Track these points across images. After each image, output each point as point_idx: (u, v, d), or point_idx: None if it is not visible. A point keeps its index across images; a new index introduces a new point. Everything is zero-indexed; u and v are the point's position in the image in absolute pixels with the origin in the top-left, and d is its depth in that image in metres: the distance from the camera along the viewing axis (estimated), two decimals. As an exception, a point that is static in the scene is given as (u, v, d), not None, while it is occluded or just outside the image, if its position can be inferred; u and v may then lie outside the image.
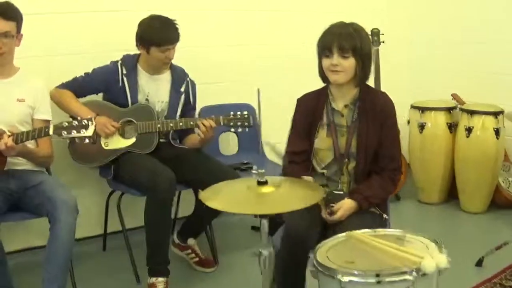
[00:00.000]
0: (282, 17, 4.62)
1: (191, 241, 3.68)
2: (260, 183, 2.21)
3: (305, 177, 2.65)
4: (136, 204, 3.52)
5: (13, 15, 3.01)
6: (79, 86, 3.52)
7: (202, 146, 3.57)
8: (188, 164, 3.47)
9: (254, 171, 2.22)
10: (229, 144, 4.34)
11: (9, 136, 2.82)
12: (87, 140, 2.84)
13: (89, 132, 2.83)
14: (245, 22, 4.45)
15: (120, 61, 3.54)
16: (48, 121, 3.18)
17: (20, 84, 3.14)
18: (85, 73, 3.55)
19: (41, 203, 2.93)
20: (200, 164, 3.47)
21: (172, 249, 3.64)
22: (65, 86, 3.52)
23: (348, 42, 2.61)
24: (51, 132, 2.85)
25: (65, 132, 2.83)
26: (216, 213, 3.39)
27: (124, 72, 3.51)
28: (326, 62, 2.69)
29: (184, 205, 3.99)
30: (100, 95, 3.63)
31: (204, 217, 3.57)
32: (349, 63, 2.64)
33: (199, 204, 3.51)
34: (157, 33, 3.37)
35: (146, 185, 3.23)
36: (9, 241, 3.39)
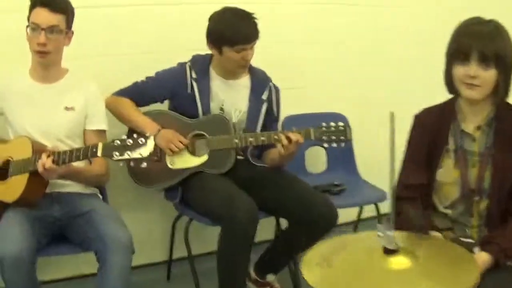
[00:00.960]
0: (384, 12, 3.94)
1: (270, 277, 3.11)
2: (388, 251, 1.56)
3: (434, 233, 2.06)
4: (204, 228, 3.01)
5: (63, 7, 2.52)
6: (139, 93, 2.99)
7: (282, 163, 2.98)
8: (270, 187, 2.90)
9: (379, 233, 1.56)
10: (316, 160, 3.71)
11: (48, 156, 2.33)
12: (144, 164, 2.30)
13: (146, 151, 2.29)
14: (334, 15, 3.78)
15: (189, 63, 2.98)
16: (103, 132, 2.72)
17: (69, 89, 2.66)
18: (147, 78, 3.02)
19: (89, 238, 2.44)
20: (284, 187, 2.90)
21: (248, 284, 3.08)
22: (123, 93, 3.00)
23: (491, 47, 1.99)
24: (99, 153, 2.33)
25: (117, 153, 2.29)
26: (304, 245, 2.77)
27: (194, 76, 2.95)
28: (459, 70, 2.04)
29: (262, 227, 3.38)
30: (165, 103, 3.10)
31: (288, 251, 2.99)
32: (490, 74, 2.02)
33: (283, 234, 3.04)
34: (230, 30, 2.79)
35: (221, 214, 2.68)
36: (56, 268, 3.14)
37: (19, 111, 2.59)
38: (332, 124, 2.83)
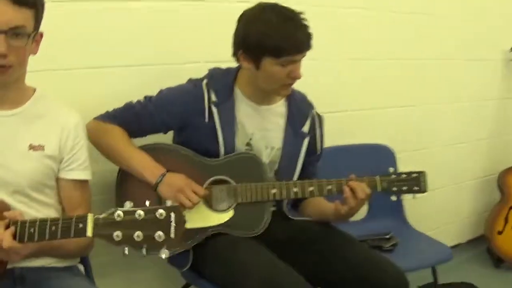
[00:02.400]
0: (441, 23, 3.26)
1: None
2: None
3: None
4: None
5: None
6: (135, 119, 2.15)
7: (337, 222, 2.21)
8: (318, 253, 2.14)
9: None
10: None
11: (6, 227, 1.53)
12: (165, 253, 1.48)
13: (171, 231, 1.48)
14: (380, 26, 3.07)
15: (205, 81, 2.16)
16: (85, 183, 1.92)
17: (37, 118, 1.82)
18: (145, 98, 2.18)
19: None
20: (337, 252, 2.13)
21: None
22: (112, 117, 2.15)
23: None
24: (88, 232, 1.50)
25: (119, 234, 1.46)
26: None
27: (214, 99, 2.14)
28: None
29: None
30: (168, 134, 2.25)
31: None
32: None
33: None
34: (276, 35, 1.98)
35: None
36: None
37: None
38: (403, 171, 2.17)
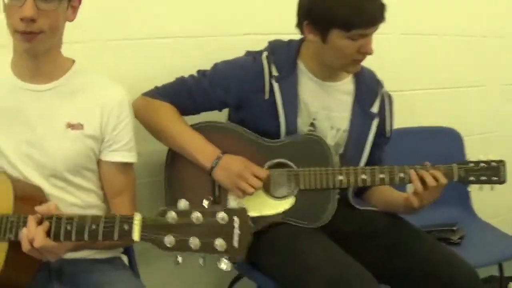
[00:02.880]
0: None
1: None
2: None
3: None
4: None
5: None
6: (187, 96, 1.97)
7: (410, 214, 2.01)
8: (383, 246, 1.95)
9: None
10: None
11: (39, 221, 1.35)
12: (225, 264, 1.25)
13: (235, 240, 1.24)
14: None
15: (265, 53, 1.96)
16: (130, 167, 1.75)
17: (75, 94, 1.65)
18: (199, 73, 2.00)
19: None
20: (403, 245, 1.95)
21: None
22: (161, 93, 1.98)
23: None
24: (135, 236, 1.28)
25: (171, 241, 1.24)
26: None
27: (275, 73, 1.93)
28: None
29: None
30: (223, 112, 2.06)
31: None
32: None
33: None
34: (348, 6, 1.78)
35: None
36: None
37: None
38: (482, 159, 1.98)
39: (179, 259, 1.24)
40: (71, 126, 1.62)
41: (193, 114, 2.01)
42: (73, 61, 1.68)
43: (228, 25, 2.23)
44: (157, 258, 2.10)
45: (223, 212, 1.21)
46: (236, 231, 1.21)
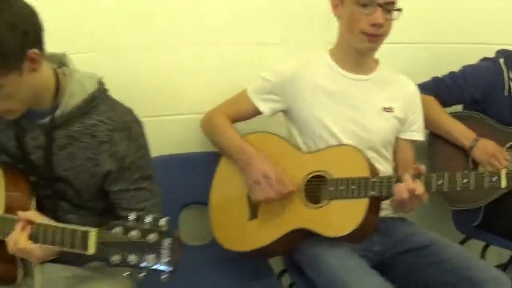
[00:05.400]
0: None
1: None
2: None
3: None
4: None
5: None
6: (446, 90, 2.46)
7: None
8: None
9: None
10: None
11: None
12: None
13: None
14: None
15: (502, 59, 2.45)
16: (413, 144, 2.20)
17: (385, 84, 2.14)
18: (451, 74, 2.49)
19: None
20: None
21: None
22: (424, 88, 2.40)
23: None
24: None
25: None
26: None
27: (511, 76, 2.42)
28: None
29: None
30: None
31: None
32: None
33: None
34: None
35: None
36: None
37: (323, 108, 2.08)
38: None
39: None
40: (385, 109, 2.10)
41: (451, 105, 2.48)
42: (377, 60, 2.15)
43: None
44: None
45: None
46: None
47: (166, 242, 1.24)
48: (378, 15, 1.93)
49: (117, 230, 1.28)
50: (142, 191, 1.69)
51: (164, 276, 1.25)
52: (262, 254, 2.11)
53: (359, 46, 2.02)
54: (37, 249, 1.50)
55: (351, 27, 1.98)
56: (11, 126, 1.65)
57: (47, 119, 1.61)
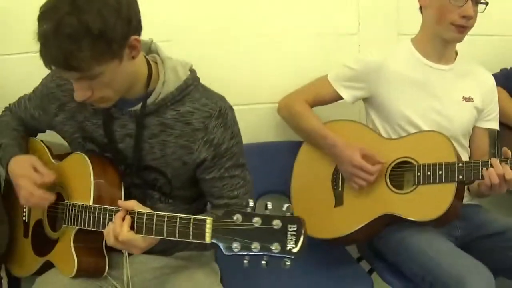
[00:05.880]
0: None
1: None
2: None
3: None
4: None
5: None
6: None
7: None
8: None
9: None
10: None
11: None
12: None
13: None
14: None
15: None
16: (494, 132, 2.23)
17: (464, 75, 2.17)
18: None
19: None
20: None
21: None
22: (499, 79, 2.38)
23: None
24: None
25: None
26: None
27: None
28: None
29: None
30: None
31: None
32: None
33: None
34: None
35: None
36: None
37: (406, 97, 2.11)
38: None
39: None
40: (465, 99, 2.13)
41: None
42: (456, 51, 2.18)
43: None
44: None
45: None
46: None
47: (292, 228, 1.22)
48: (469, 8, 1.97)
49: (238, 216, 1.26)
50: (235, 178, 1.67)
51: (288, 263, 1.22)
52: (344, 241, 2.13)
53: (447, 36, 2.05)
54: (139, 240, 1.46)
55: (441, 17, 2.01)
56: (99, 113, 1.64)
57: (137, 107, 1.60)
